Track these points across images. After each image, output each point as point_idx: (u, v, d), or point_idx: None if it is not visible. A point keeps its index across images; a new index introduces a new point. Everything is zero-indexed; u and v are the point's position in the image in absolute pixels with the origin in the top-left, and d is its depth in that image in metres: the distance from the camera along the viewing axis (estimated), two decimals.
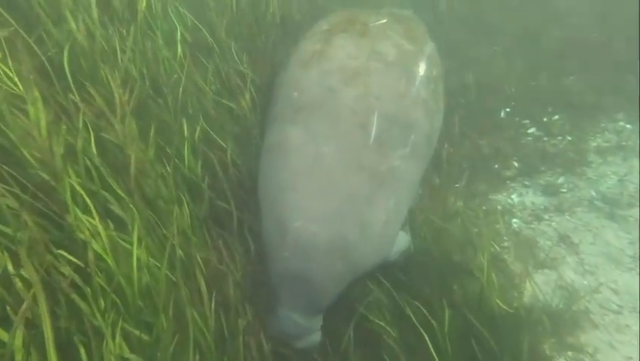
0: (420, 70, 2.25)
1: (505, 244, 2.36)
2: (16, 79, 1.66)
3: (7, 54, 1.83)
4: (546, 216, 2.64)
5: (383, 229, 1.82)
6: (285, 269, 1.76)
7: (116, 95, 1.91)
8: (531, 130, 3.48)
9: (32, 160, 1.48)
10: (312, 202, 1.80)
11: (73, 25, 1.96)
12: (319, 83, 2.13)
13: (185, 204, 1.99)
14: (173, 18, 2.69)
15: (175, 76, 2.52)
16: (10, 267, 1.12)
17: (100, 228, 1.47)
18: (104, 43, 2.11)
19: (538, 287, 1.97)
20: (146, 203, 1.84)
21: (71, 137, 1.73)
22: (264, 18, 3.15)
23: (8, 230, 1.27)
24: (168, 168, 2.04)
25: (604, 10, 4.64)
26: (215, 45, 2.73)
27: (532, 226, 2.55)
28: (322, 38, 2.38)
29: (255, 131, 2.60)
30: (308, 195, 1.82)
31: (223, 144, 2.44)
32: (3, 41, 1.79)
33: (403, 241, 2.01)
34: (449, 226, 2.32)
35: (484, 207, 2.77)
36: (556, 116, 3.60)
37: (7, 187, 1.34)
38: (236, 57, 2.78)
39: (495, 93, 4.00)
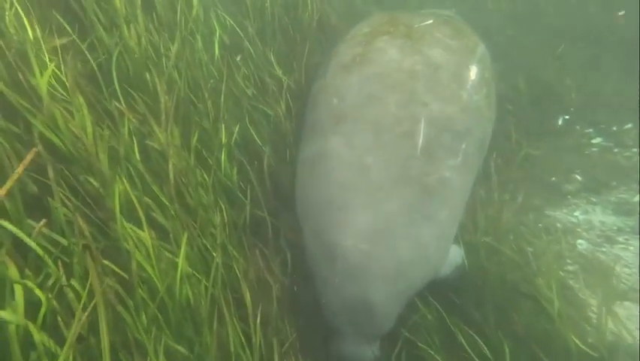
0: (471, 73, 2.15)
1: (570, 267, 2.16)
2: (67, 84, 1.75)
3: (61, 60, 1.94)
4: (621, 239, 2.40)
5: (437, 244, 1.74)
6: (340, 297, 1.72)
7: (162, 101, 1.96)
8: (596, 140, 3.23)
9: (82, 165, 1.54)
10: (360, 219, 1.74)
11: (125, 31, 2.04)
12: (361, 89, 2.08)
13: (224, 213, 2.00)
14: (214, 22, 2.76)
15: (212, 80, 2.58)
16: (63, 277, 1.15)
17: (145, 237, 1.50)
18: (150, 49, 2.19)
19: (622, 323, 1.77)
20: (187, 211, 1.86)
21: (115, 143, 1.80)
22: (299, 21, 3.16)
23: (64, 240, 1.31)
24: (207, 177, 2.07)
25: None
26: (250, 49, 2.78)
27: (604, 249, 2.32)
28: (363, 41, 2.34)
29: (290, 139, 2.59)
30: (355, 211, 1.77)
31: (260, 149, 2.46)
32: (59, 48, 1.90)
33: (455, 255, 1.90)
34: (502, 244, 2.17)
35: (540, 225, 2.58)
36: (629, 125, 3.32)
37: (63, 192, 1.39)
38: (273, 61, 2.80)
39: (551, 98, 3.76)
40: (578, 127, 3.41)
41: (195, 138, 2.11)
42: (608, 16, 4.75)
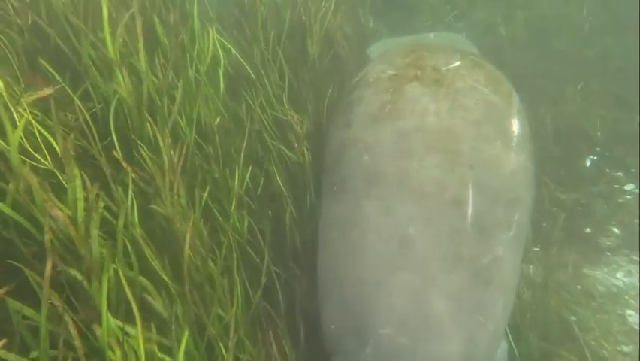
0: (514, 127, 1.91)
1: (625, 348, 1.92)
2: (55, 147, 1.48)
3: (51, 109, 1.68)
4: None
5: (489, 341, 1.47)
6: None
7: (165, 158, 1.70)
8: (629, 186, 3.01)
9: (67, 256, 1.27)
10: (400, 303, 1.48)
11: (120, 79, 1.79)
12: (396, 146, 1.84)
13: (237, 289, 1.73)
14: (220, 53, 2.52)
15: (219, 118, 2.33)
16: None
17: (137, 335, 1.23)
18: (153, 94, 1.93)
19: None
20: (193, 286, 1.59)
21: (112, 206, 1.54)
22: (307, 49, 2.93)
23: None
24: (217, 254, 1.80)
25: None
26: (257, 82, 2.54)
27: None
28: (391, 87, 2.10)
29: (311, 187, 2.33)
30: (395, 292, 1.51)
31: (278, 198, 2.21)
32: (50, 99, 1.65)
33: (502, 352, 1.64)
34: (544, 312, 1.93)
35: (578, 286, 2.34)
36: None
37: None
38: (285, 101, 2.57)
39: (576, 135, 3.56)
40: (607, 170, 3.20)
41: (206, 192, 1.85)
42: (626, 45, 4.60)
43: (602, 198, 2.93)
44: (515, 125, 1.91)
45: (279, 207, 2.23)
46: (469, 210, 1.61)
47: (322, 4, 3.09)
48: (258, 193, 2.23)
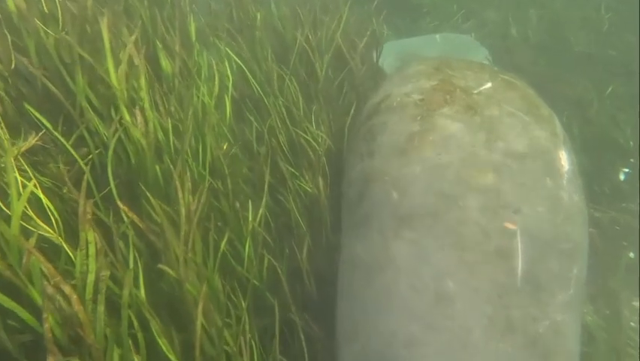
0: (562, 161, 1.70)
1: None
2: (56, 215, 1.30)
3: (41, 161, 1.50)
4: None
5: None
6: None
7: (182, 207, 1.49)
8: None
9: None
10: None
11: (127, 116, 1.60)
12: (429, 184, 1.63)
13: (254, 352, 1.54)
14: (229, 74, 2.32)
15: (225, 145, 2.14)
16: None
17: None
18: (159, 134, 1.74)
19: None
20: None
21: (114, 268, 1.35)
22: (316, 66, 2.71)
23: None
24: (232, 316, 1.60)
25: None
26: (266, 102, 2.33)
27: None
28: (418, 115, 1.89)
29: (327, 220, 2.13)
30: (430, 357, 1.31)
31: (295, 233, 2.01)
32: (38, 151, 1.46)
33: None
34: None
35: (631, 323, 2.12)
36: None
37: None
38: (298, 122, 2.36)
39: (606, 147, 3.33)
40: None
41: (223, 244, 1.66)
42: None
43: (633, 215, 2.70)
44: (564, 159, 1.69)
45: (295, 242, 2.03)
46: (519, 264, 1.40)
47: (330, 18, 2.90)
48: (273, 226, 2.04)
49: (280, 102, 2.30)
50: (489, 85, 2.00)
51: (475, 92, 1.95)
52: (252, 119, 2.35)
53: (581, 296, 1.46)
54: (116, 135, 1.55)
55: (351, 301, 1.66)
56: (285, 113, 2.25)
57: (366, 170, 1.88)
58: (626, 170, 3.08)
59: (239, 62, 2.45)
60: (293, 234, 2.02)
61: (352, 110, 2.37)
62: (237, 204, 1.87)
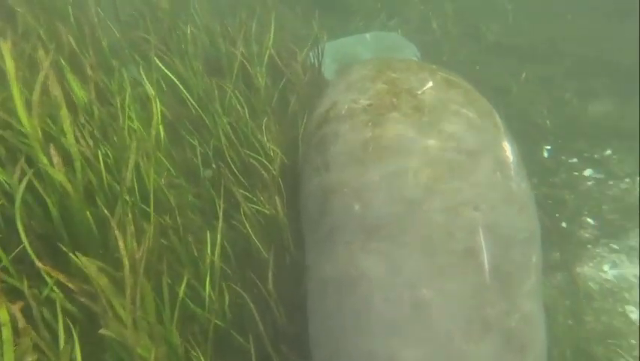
0: (508, 153, 1.78)
1: (637, 353, 1.91)
2: None
3: None
4: None
5: None
6: None
7: (125, 257, 1.28)
8: (587, 172, 3.11)
9: None
10: None
11: (42, 157, 1.34)
12: (389, 190, 1.61)
13: None
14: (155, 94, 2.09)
15: (165, 173, 1.93)
16: None
17: None
18: (89, 174, 1.49)
19: None
20: None
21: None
22: (253, 78, 2.57)
23: None
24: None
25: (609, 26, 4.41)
26: (206, 121, 2.14)
27: None
28: (369, 121, 1.87)
29: (288, 238, 2.03)
30: None
31: (256, 259, 1.87)
32: None
33: None
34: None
35: (575, 288, 2.33)
36: (609, 151, 3.27)
37: None
38: (244, 140, 2.22)
39: (528, 128, 3.65)
40: (563, 157, 3.31)
41: (181, 289, 1.47)
42: (551, 31, 4.84)
43: (567, 189, 2.99)
44: (508, 150, 1.78)
45: (257, 269, 1.90)
46: (485, 260, 1.44)
47: (260, 25, 2.75)
48: (232, 255, 1.88)
49: (225, 120, 2.14)
50: (430, 84, 2.04)
51: (419, 92, 1.98)
52: (192, 141, 2.16)
53: (540, 281, 1.55)
54: (23, 183, 1.29)
55: (325, 323, 1.59)
56: (230, 131, 2.10)
57: (323, 183, 1.81)
58: (548, 147, 3.39)
59: (171, 78, 2.23)
60: (254, 260, 1.89)
61: (302, 121, 2.28)
62: (189, 238, 1.70)
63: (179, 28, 2.48)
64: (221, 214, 1.74)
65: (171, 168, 2.00)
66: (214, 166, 1.99)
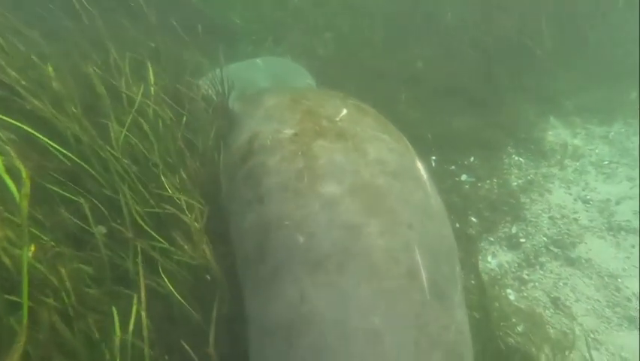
0: (421, 171, 1.99)
1: (520, 328, 2.30)
2: None
3: None
4: (526, 276, 2.76)
5: None
6: None
7: None
8: (463, 177, 3.71)
9: None
10: None
11: None
12: (330, 218, 1.62)
13: None
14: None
15: (33, 246, 1.48)
16: None
17: None
18: None
19: None
20: None
21: None
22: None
23: None
24: None
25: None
26: (87, 168, 1.74)
27: (525, 293, 2.60)
28: (298, 150, 1.86)
29: (225, 292, 1.78)
30: None
31: (194, 321, 1.60)
32: None
33: None
34: None
35: (472, 281, 2.71)
36: (472, 158, 3.95)
37: None
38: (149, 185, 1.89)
39: (417, 141, 4.11)
40: (445, 166, 3.87)
41: None
42: (408, 55, 5.63)
43: (453, 193, 3.50)
44: (420, 168, 1.99)
45: (187, 337, 1.64)
46: (424, 278, 1.55)
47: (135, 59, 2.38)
48: (151, 326, 1.56)
49: (119, 164, 1.78)
50: (345, 111, 2.16)
51: (337, 119, 2.07)
52: (72, 196, 1.69)
53: (463, 289, 1.74)
54: None
55: None
56: (129, 176, 1.77)
57: (260, 218, 1.72)
58: (434, 158, 3.92)
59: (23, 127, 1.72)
60: (180, 326, 1.63)
61: (218, 155, 2.12)
62: (89, 319, 1.35)
63: (36, 66, 2.01)
64: (141, 280, 1.45)
65: (42, 236, 1.51)
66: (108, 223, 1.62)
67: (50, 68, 1.84)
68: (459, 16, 5.68)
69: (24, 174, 1.17)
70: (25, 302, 1.13)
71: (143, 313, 1.41)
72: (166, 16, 3.19)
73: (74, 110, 1.78)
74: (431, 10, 6.00)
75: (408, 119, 4.34)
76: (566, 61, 4.88)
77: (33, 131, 1.59)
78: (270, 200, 1.72)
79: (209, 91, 2.92)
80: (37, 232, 1.49)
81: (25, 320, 1.06)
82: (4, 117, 1.62)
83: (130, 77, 2.08)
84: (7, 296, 1.17)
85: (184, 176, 1.90)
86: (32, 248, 1.37)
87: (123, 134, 1.75)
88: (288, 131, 1.95)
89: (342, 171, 1.76)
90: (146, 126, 1.82)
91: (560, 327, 2.32)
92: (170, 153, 1.92)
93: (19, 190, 1.21)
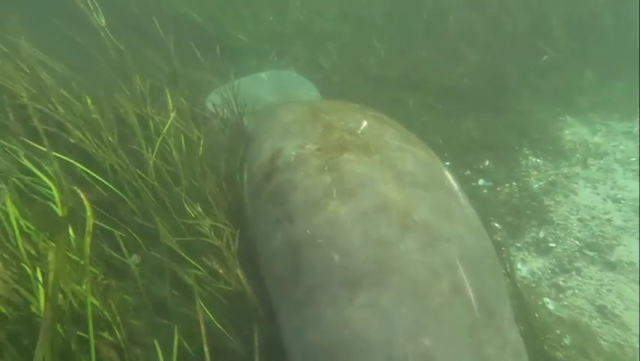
0: (451, 179, 1.93)
1: (567, 340, 2.19)
2: None
3: None
4: (562, 283, 2.64)
5: None
6: None
7: None
8: (480, 182, 3.63)
9: None
10: None
11: None
12: (366, 235, 1.55)
13: None
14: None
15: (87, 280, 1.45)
16: None
17: None
18: None
19: None
20: None
21: None
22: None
23: None
24: None
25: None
26: (125, 198, 1.71)
27: (565, 302, 2.47)
28: (324, 165, 1.80)
29: (261, 315, 1.70)
30: None
31: (233, 349, 1.51)
32: None
33: None
34: None
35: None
36: (487, 162, 3.88)
37: None
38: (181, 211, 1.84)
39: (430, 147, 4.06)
40: (460, 171, 3.81)
41: None
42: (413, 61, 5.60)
43: (471, 199, 3.41)
44: (450, 177, 1.92)
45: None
46: (471, 294, 1.46)
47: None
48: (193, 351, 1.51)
49: (150, 193, 1.74)
50: (365, 123, 2.10)
51: (359, 132, 2.01)
52: (108, 227, 1.66)
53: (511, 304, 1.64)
54: None
55: None
56: (166, 204, 1.72)
57: (290, 236, 1.65)
58: (448, 163, 3.85)
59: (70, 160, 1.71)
60: (221, 355, 1.56)
61: (241, 176, 2.06)
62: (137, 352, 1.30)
63: (70, 101, 2.00)
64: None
65: (95, 270, 1.50)
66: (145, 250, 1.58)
67: (89, 100, 1.82)
68: (464, 17, 5.67)
69: (87, 211, 1.12)
70: (92, 341, 1.07)
71: (186, 344, 1.35)
72: (174, 37, 3.18)
73: (111, 139, 1.75)
74: (436, 12, 5.99)
75: (417, 125, 4.29)
76: (578, 58, 4.83)
77: (79, 165, 1.57)
78: (300, 217, 1.65)
79: (223, 110, 2.88)
80: (94, 269, 1.44)
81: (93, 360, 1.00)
82: (57, 154, 1.58)
83: (152, 104, 2.04)
84: (78, 333, 1.11)
85: (210, 199, 1.84)
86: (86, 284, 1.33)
87: (152, 162, 1.71)
88: (312, 147, 1.89)
89: (371, 185, 1.69)
90: (174, 152, 1.78)
91: (613, 339, 2.18)
92: (195, 176, 1.87)
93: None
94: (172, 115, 1.94)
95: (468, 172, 3.77)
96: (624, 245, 2.88)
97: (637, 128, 4.10)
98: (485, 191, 3.50)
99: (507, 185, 3.57)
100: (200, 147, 2.12)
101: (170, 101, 2.06)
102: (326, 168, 1.76)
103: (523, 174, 3.70)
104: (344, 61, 5.85)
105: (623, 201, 3.26)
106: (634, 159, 3.71)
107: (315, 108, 2.26)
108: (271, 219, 1.73)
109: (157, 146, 1.75)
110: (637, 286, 2.57)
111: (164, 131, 1.82)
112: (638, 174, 3.49)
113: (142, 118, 1.92)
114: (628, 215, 3.13)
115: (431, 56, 5.61)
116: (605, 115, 4.34)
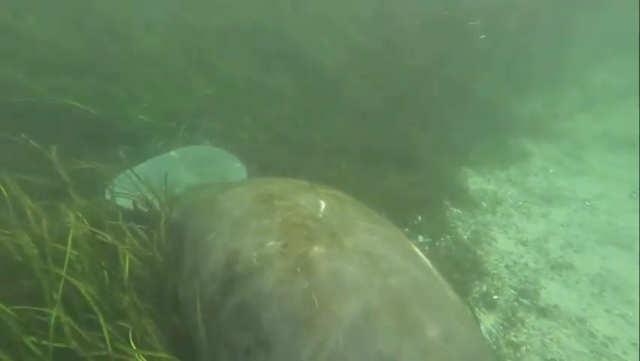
0: (423, 256, 1.82)
1: None
2: None
3: None
4: (514, 339, 2.62)
5: None
6: None
7: None
8: (420, 238, 3.69)
9: None
10: None
11: None
12: (360, 350, 1.28)
13: None
14: None
15: None
16: None
17: None
18: None
19: None
20: None
21: None
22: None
23: None
24: None
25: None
26: None
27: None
28: (295, 266, 1.50)
29: None
30: None
31: None
32: None
33: None
34: None
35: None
36: (419, 217, 4.02)
37: None
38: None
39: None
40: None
41: None
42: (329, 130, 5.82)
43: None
44: (419, 251, 1.82)
45: None
46: None
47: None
48: None
49: None
50: (324, 204, 1.93)
51: (321, 216, 1.82)
52: None
53: None
54: None
55: None
56: None
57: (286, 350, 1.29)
58: (383, 214, 3.87)
59: None
60: None
61: (184, 290, 1.63)
62: None
63: None
64: None
65: None
66: None
67: None
68: (364, 85, 6.18)
69: None
70: None
71: None
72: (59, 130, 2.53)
73: None
74: (335, 79, 6.42)
75: (352, 187, 4.31)
76: (457, 115, 5.58)
77: None
78: (279, 342, 1.31)
79: (135, 203, 2.39)
80: None
81: None
82: None
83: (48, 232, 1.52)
84: None
85: (149, 330, 1.37)
86: None
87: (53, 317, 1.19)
88: (275, 243, 1.61)
89: (352, 282, 1.47)
90: (85, 289, 1.29)
91: None
92: (120, 313, 1.39)
93: None
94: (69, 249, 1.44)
95: (407, 230, 3.82)
96: (544, 288, 3.15)
97: (512, 176, 4.79)
98: (427, 248, 3.56)
99: (442, 239, 3.70)
100: (125, 266, 1.64)
101: (72, 217, 1.57)
102: (298, 270, 1.49)
103: (452, 225, 3.91)
104: (263, 131, 5.76)
105: (528, 244, 3.63)
106: (520, 202, 4.26)
107: (264, 193, 2.01)
108: (239, 349, 1.35)
109: (60, 289, 1.25)
110: (568, 331, 2.76)
111: (64, 268, 1.33)
112: (528, 216, 3.97)
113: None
114: (535, 256, 3.48)
115: (342, 120, 5.91)
116: (491, 165, 5.00)
